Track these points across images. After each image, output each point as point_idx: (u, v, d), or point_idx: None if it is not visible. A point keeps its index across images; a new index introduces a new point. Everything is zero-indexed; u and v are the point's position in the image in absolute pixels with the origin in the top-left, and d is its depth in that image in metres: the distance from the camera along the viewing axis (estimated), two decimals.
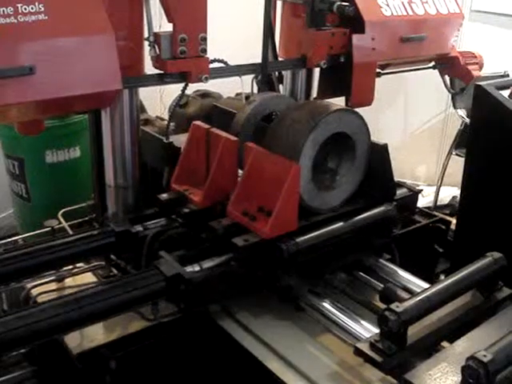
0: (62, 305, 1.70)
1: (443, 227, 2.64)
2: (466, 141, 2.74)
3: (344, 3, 2.44)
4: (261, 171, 2.01)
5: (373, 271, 2.20)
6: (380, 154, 2.24)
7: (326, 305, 1.95)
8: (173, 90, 2.52)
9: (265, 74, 2.50)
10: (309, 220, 2.08)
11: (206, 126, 2.22)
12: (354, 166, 2.19)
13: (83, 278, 2.19)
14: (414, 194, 2.43)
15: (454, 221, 2.64)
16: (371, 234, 2.21)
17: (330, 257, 2.11)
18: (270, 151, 2.04)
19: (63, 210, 2.59)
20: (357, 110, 2.81)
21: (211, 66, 2.24)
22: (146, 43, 2.11)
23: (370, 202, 2.23)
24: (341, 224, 2.11)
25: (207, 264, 1.92)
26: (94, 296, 1.75)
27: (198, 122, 2.27)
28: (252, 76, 2.63)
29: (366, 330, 1.81)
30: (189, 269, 1.87)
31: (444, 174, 4.35)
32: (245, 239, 1.92)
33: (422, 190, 2.67)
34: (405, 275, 2.14)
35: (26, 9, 1.71)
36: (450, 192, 4.64)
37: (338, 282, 2.13)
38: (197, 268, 1.90)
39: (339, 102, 2.76)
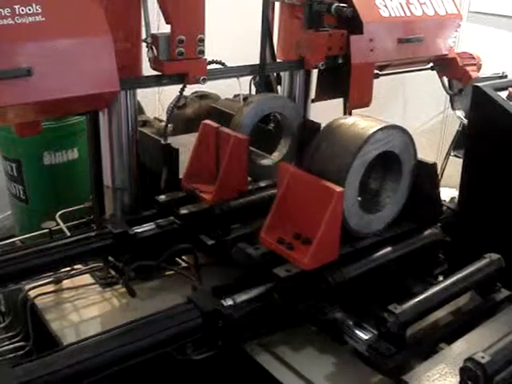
0: (90, 348, 1.54)
1: None
2: (464, 142, 2.74)
3: (342, 4, 2.44)
4: (297, 194, 1.85)
5: None
6: (427, 174, 2.07)
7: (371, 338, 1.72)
8: (171, 92, 2.52)
9: (263, 75, 2.50)
10: (353, 246, 1.92)
11: (216, 125, 2.23)
12: (400, 187, 2.02)
13: (81, 280, 2.18)
14: (456, 213, 2.31)
15: None
16: (418, 259, 2.05)
17: (376, 286, 1.93)
18: (311, 170, 1.87)
19: (61, 212, 2.59)
20: (355, 111, 2.83)
21: (209, 67, 2.24)
22: (144, 44, 2.11)
23: (415, 225, 2.08)
24: (388, 250, 1.94)
25: (245, 296, 1.77)
26: (123, 337, 1.58)
27: (208, 121, 2.27)
28: (250, 77, 2.63)
29: None
30: (226, 302, 1.73)
31: (442, 175, 4.35)
32: (287, 269, 1.76)
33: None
34: None
35: (23, 10, 1.72)
36: (449, 193, 4.63)
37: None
38: (234, 301, 1.74)
39: (337, 102, 2.77)
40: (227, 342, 1.73)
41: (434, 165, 2.09)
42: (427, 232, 2.07)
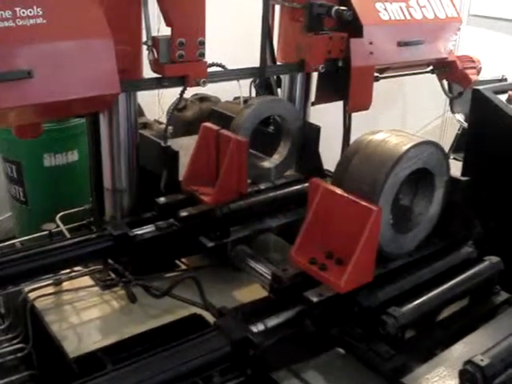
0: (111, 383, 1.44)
1: None
2: (463, 145, 2.74)
3: (342, 7, 2.45)
4: (330, 213, 1.75)
5: None
6: (461, 191, 1.98)
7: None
8: (171, 94, 2.52)
9: (263, 77, 2.51)
10: (386, 267, 1.82)
11: (216, 128, 2.23)
12: (432, 205, 1.93)
13: (81, 282, 2.18)
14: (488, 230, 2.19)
15: None
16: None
17: None
18: (342, 188, 1.77)
19: (61, 214, 2.59)
20: (355, 114, 2.83)
21: (209, 69, 2.24)
22: (145, 47, 2.12)
23: (446, 242, 2.00)
24: (423, 271, 1.86)
25: (274, 322, 1.67)
26: (147, 369, 1.47)
27: (208, 124, 2.27)
28: (250, 80, 2.63)
29: None
30: (255, 328, 1.63)
31: None
32: (319, 293, 1.69)
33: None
34: None
35: (24, 13, 1.72)
36: None
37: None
38: (264, 327, 1.65)
39: (336, 105, 2.78)
40: (257, 370, 1.63)
41: (468, 181, 2.00)
42: (461, 251, 1.98)
